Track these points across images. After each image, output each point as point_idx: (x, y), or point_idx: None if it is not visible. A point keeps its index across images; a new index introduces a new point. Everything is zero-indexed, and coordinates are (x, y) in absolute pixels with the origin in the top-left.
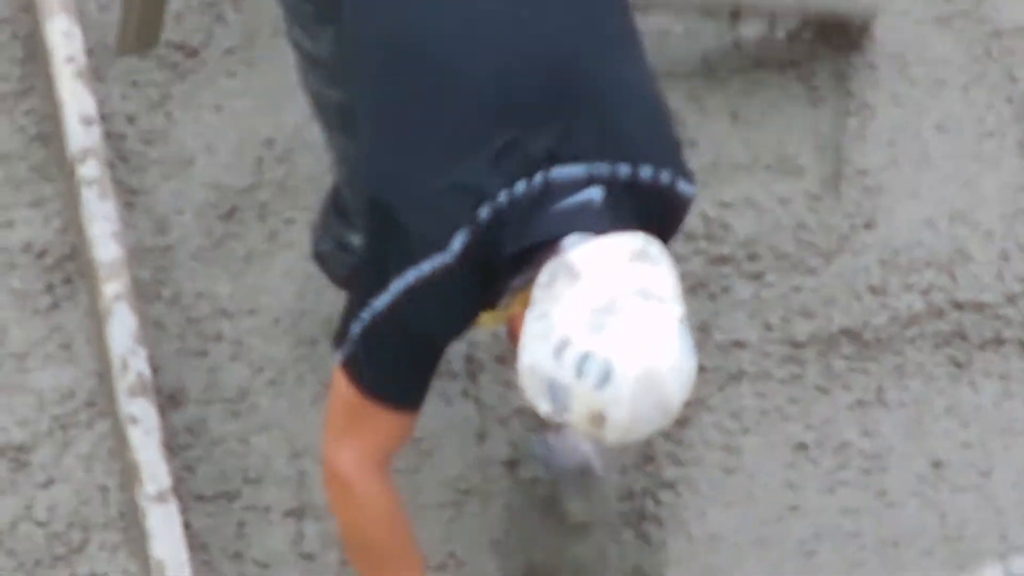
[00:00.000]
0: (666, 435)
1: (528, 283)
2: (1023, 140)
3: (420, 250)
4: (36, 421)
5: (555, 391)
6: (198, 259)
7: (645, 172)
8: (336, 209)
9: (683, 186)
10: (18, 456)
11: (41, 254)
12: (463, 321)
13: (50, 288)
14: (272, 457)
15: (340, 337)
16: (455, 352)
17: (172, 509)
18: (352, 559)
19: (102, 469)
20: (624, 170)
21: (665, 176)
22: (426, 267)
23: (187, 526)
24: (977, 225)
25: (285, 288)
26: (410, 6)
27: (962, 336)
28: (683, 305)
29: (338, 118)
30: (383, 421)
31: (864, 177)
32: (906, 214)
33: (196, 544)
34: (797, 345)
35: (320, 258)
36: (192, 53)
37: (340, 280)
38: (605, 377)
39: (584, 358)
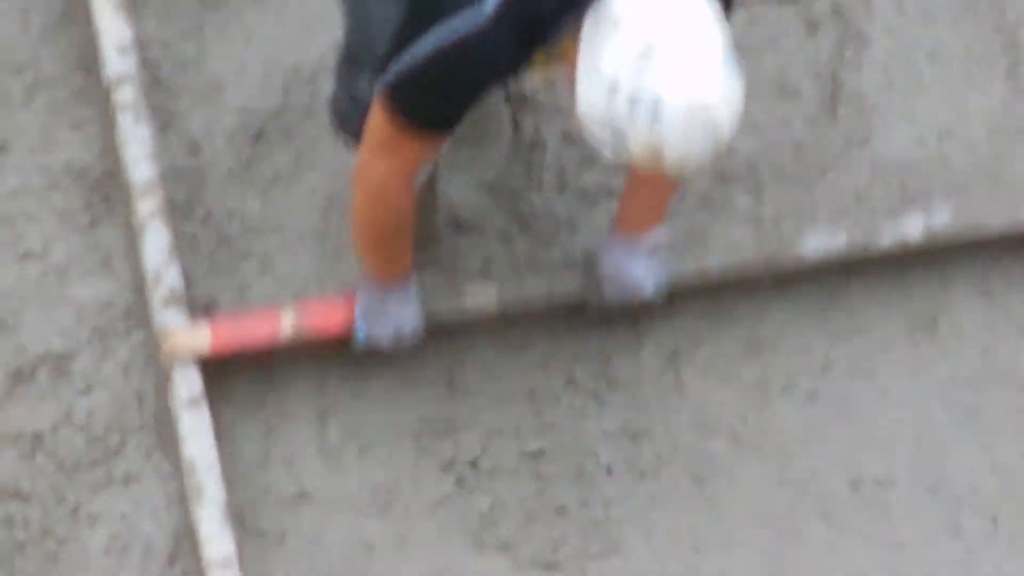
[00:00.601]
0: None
1: (575, 33)
2: (1010, 67)
3: (454, 6)
4: (76, 331)
5: (613, 135)
6: (228, 179)
7: None
8: (347, 61)
9: None
10: (59, 364)
11: (81, 174)
12: (494, 72)
13: (89, 206)
14: (298, 363)
15: (381, 66)
16: None
17: (203, 413)
18: (362, 243)
19: (138, 376)
20: None
21: None
22: (467, 28)
23: (216, 428)
24: (964, 142)
25: (311, 206)
26: None
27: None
28: (726, 32)
29: None
30: (416, 145)
31: (859, 100)
32: (898, 133)
33: (225, 445)
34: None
35: (337, 116)
36: None
37: (355, 132)
38: (656, 114)
39: (633, 100)
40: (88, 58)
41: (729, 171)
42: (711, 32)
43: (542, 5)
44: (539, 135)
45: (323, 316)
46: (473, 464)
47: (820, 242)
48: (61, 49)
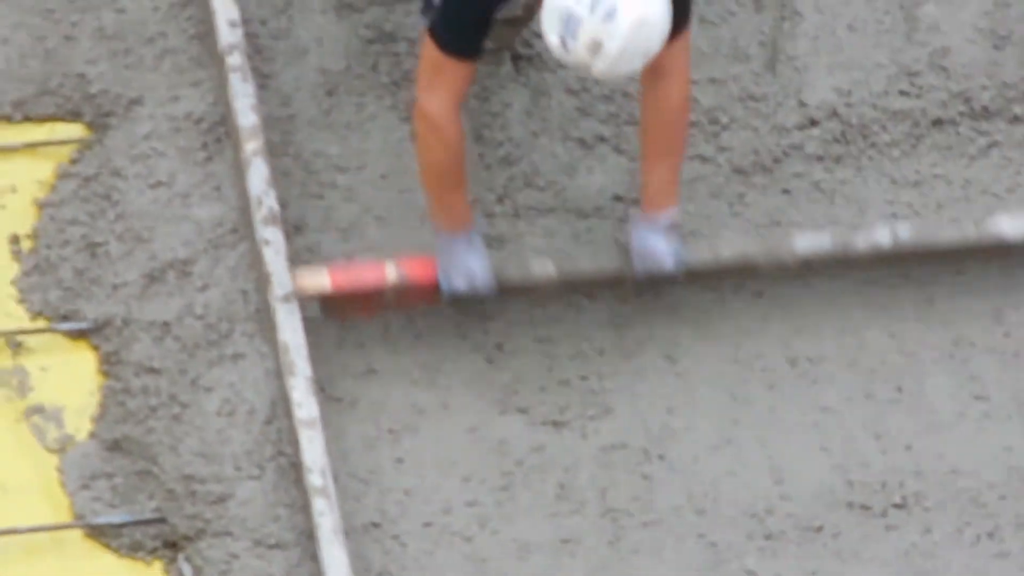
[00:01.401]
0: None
1: None
2: (907, 33)
3: None
4: (196, 243)
5: (568, 21)
6: (312, 125)
7: None
8: None
9: None
10: (183, 268)
11: (199, 121)
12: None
13: (205, 146)
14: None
15: (424, 8)
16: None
17: (294, 307)
18: (426, 181)
19: (243, 277)
20: None
21: None
22: None
23: (304, 319)
24: (870, 88)
25: (382, 147)
26: None
27: (846, 142)
28: None
29: None
30: (457, 71)
31: (794, 61)
32: (822, 85)
33: (310, 332)
34: (741, 171)
35: (423, 8)
36: None
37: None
38: (610, 14)
39: (599, 4)
40: (205, 31)
41: (692, 118)
42: None
43: None
44: (543, 85)
45: (419, 269)
46: (499, 346)
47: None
48: (183, 24)
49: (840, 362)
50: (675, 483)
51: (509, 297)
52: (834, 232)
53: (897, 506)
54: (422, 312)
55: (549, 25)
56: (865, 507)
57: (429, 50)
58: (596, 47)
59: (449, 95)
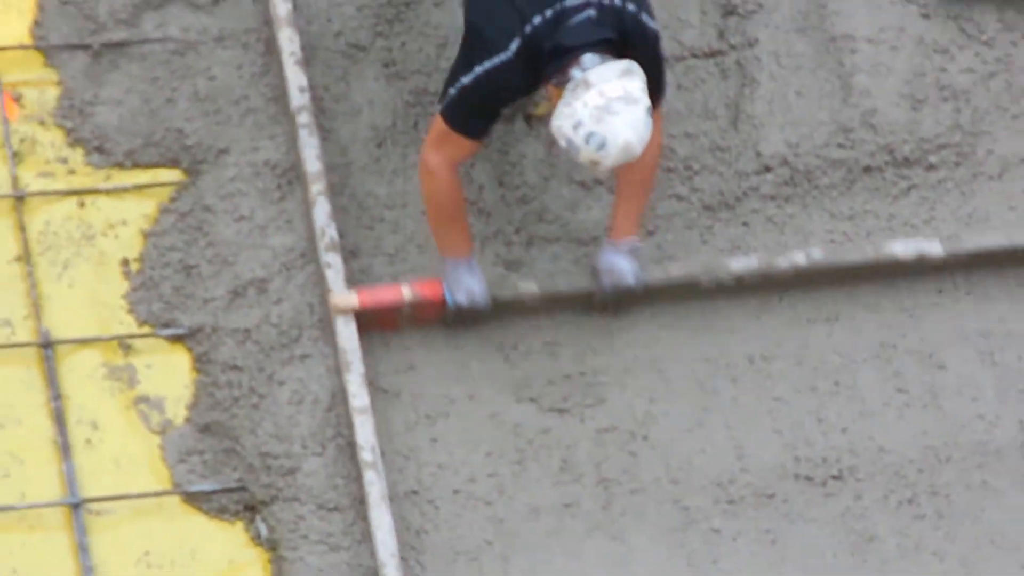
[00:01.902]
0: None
1: (561, 84)
2: (844, 98)
3: (493, 50)
4: (271, 265)
5: (570, 145)
6: (366, 171)
7: (618, 2)
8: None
9: (646, 18)
10: (261, 285)
11: (274, 167)
12: (513, 94)
13: (279, 187)
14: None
15: (442, 96)
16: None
17: (351, 317)
18: (430, 217)
19: (309, 293)
20: (606, 0)
21: (631, 7)
22: (495, 60)
23: (359, 326)
24: (813, 142)
25: (419, 189)
26: None
27: (794, 184)
28: (647, 99)
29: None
30: (460, 144)
31: (752, 119)
32: (775, 139)
33: (363, 337)
34: (709, 207)
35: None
36: (360, 48)
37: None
38: (601, 145)
39: (590, 134)
40: (279, 94)
41: (670, 165)
42: (642, 101)
43: (543, 49)
44: (552, 139)
45: (428, 290)
46: (514, 347)
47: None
48: (262, 89)
49: (789, 361)
50: (655, 458)
51: (511, 311)
52: (760, 255)
53: (835, 477)
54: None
55: (557, 138)
56: (809, 478)
57: (439, 123)
58: (594, 163)
59: (450, 160)
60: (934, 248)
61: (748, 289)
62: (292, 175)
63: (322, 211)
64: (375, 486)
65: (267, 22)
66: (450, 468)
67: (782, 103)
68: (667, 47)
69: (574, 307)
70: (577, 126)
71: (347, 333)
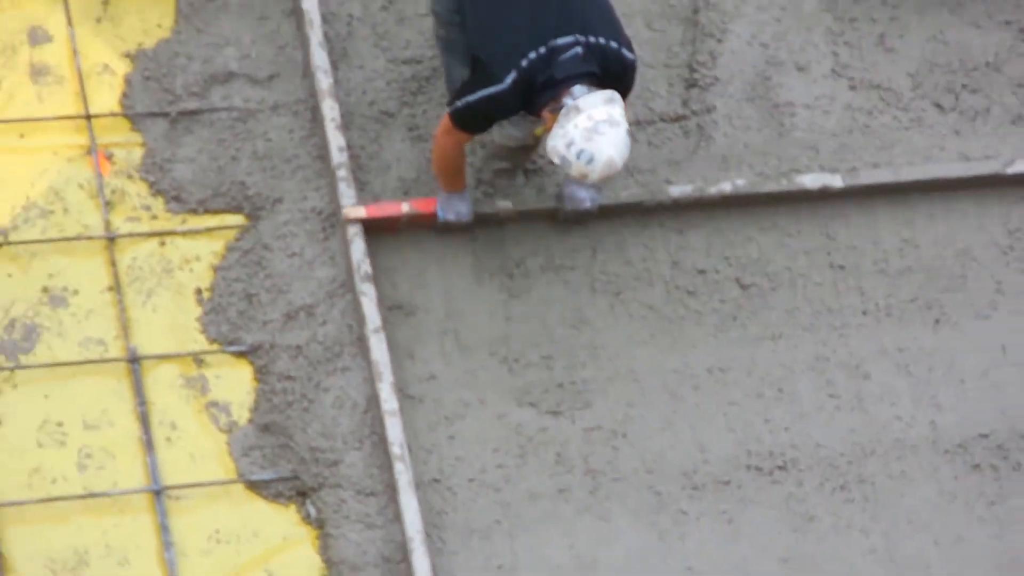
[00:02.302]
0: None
1: (555, 111)
2: (782, 152)
3: (493, 80)
4: (318, 294)
5: (563, 161)
6: (380, 123)
7: (602, 40)
8: (446, 80)
9: (626, 52)
10: (309, 310)
11: (319, 213)
12: (506, 113)
13: (323, 229)
14: (427, 287)
15: (451, 104)
16: None
17: (382, 336)
18: (437, 168)
19: (349, 317)
20: (591, 39)
21: (614, 44)
22: (493, 90)
23: (389, 343)
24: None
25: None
26: None
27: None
28: (626, 124)
29: (448, 48)
30: (459, 134)
31: (715, 146)
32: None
33: (393, 351)
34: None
35: (448, 91)
36: (390, 115)
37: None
38: (590, 160)
39: (580, 151)
40: (323, 153)
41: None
42: (623, 125)
43: (533, 82)
44: (544, 185)
45: (422, 205)
46: (516, 361)
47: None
48: (309, 149)
49: (740, 372)
50: (633, 452)
51: (514, 328)
52: (695, 183)
53: (780, 468)
54: (469, 339)
55: (551, 156)
56: (758, 468)
57: (448, 121)
58: (583, 175)
59: (457, 141)
60: (836, 180)
61: (710, 306)
62: (334, 219)
63: (358, 249)
64: (403, 475)
65: (313, 94)
66: (465, 460)
67: (734, 157)
68: (640, 113)
69: (565, 324)
70: (569, 144)
71: (379, 348)
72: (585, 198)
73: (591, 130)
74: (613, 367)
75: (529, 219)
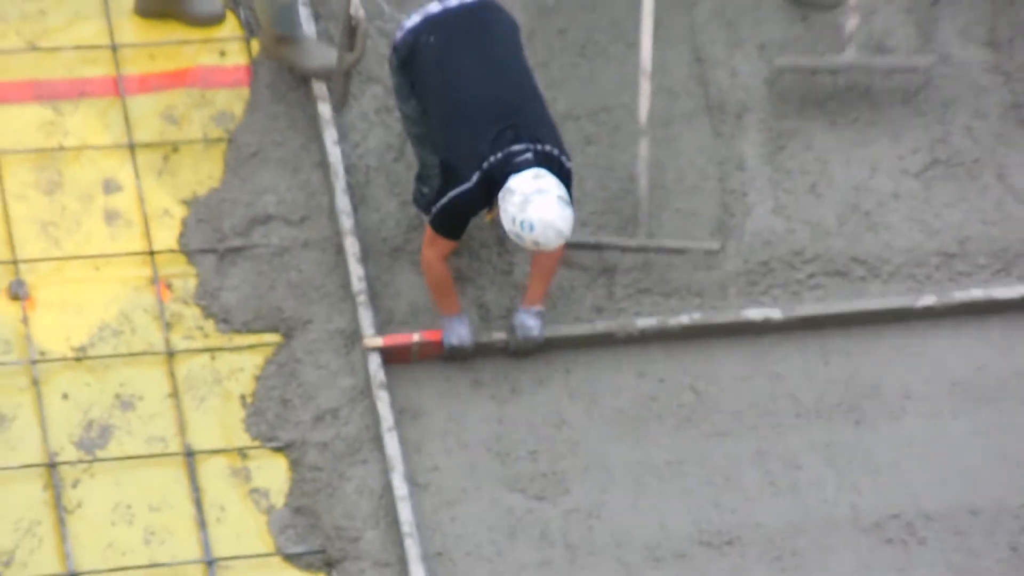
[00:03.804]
0: None
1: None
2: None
3: (459, 181)
4: (341, 399)
5: (516, 236)
6: (406, 325)
7: (548, 147)
8: (417, 179)
9: (565, 160)
10: (335, 413)
11: (343, 332)
12: (476, 210)
13: (346, 345)
14: (430, 377)
15: (428, 212)
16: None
17: (394, 434)
18: (431, 291)
19: (368, 417)
20: (539, 147)
21: (556, 151)
22: (462, 188)
23: (400, 440)
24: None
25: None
26: (453, 95)
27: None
28: (562, 190)
29: (417, 140)
30: (445, 243)
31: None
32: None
33: (404, 449)
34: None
35: (415, 200)
36: (399, 249)
37: (420, 206)
38: (531, 227)
39: (521, 222)
40: (346, 283)
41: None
42: (551, 191)
43: (494, 179)
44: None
45: (431, 335)
46: (507, 454)
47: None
48: (334, 278)
49: (694, 464)
50: (605, 530)
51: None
52: (658, 316)
53: (727, 543)
54: (466, 437)
55: (509, 235)
56: (709, 543)
57: (429, 230)
58: (535, 243)
59: (440, 253)
60: (775, 313)
61: (668, 409)
62: (355, 338)
63: (375, 365)
64: (413, 550)
65: (337, 233)
66: (463, 537)
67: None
68: (608, 258)
69: (548, 424)
70: (512, 220)
71: (392, 444)
72: (533, 327)
73: (523, 202)
74: (588, 459)
75: (524, 384)
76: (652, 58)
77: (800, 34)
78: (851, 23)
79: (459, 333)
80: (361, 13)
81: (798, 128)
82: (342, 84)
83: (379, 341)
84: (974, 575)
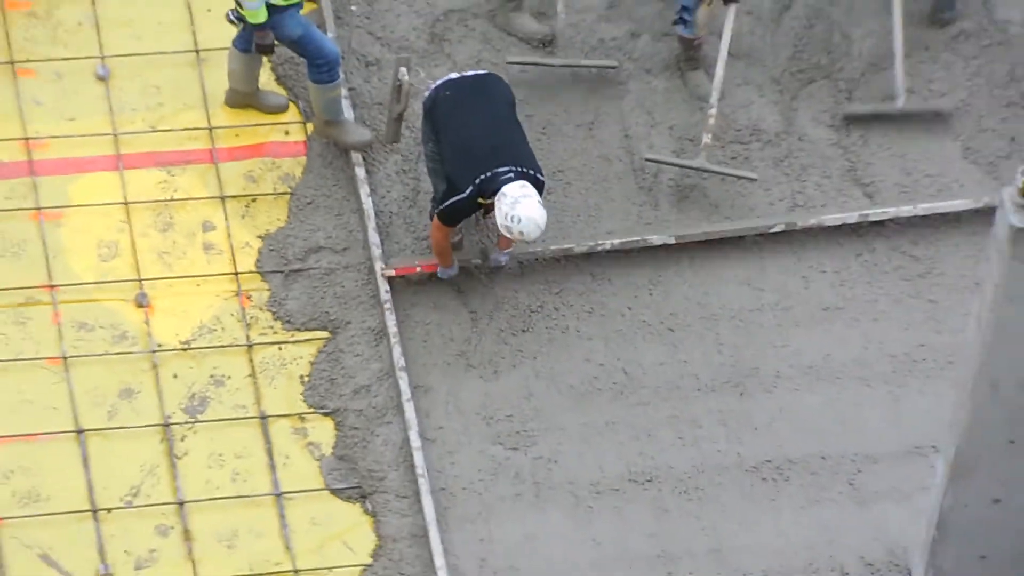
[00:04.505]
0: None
1: (494, 201)
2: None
3: (458, 192)
4: (372, 378)
5: (506, 227)
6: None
7: (525, 167)
8: (432, 201)
9: (539, 175)
10: (368, 388)
11: (373, 330)
12: (468, 212)
13: (376, 341)
14: (437, 314)
15: (433, 210)
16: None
17: (411, 403)
18: (436, 254)
19: (390, 392)
20: (520, 168)
21: (531, 171)
22: (459, 196)
23: (415, 408)
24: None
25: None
26: (460, 131)
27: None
28: (537, 196)
29: (432, 172)
30: (446, 228)
31: None
32: None
33: (418, 414)
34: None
35: (431, 213)
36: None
37: (432, 211)
38: (519, 221)
39: (511, 217)
40: (375, 294)
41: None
42: (534, 196)
43: (483, 191)
44: (486, 221)
45: (429, 267)
46: (491, 416)
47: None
48: (367, 291)
49: (626, 425)
50: (560, 472)
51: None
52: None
53: (648, 481)
54: (462, 406)
55: (501, 230)
56: (635, 480)
57: (436, 220)
58: (521, 233)
59: (443, 233)
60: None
61: (607, 385)
62: (383, 334)
63: (396, 352)
64: (424, 486)
65: (369, 259)
66: (459, 476)
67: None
68: None
69: (519, 396)
70: (505, 216)
71: (409, 411)
72: (502, 260)
73: (513, 202)
74: (549, 422)
75: (500, 332)
76: (591, 134)
77: (699, 119)
78: (705, 139)
79: (448, 272)
80: (406, 77)
81: (697, 183)
82: (394, 126)
83: (391, 272)
84: (823, 502)
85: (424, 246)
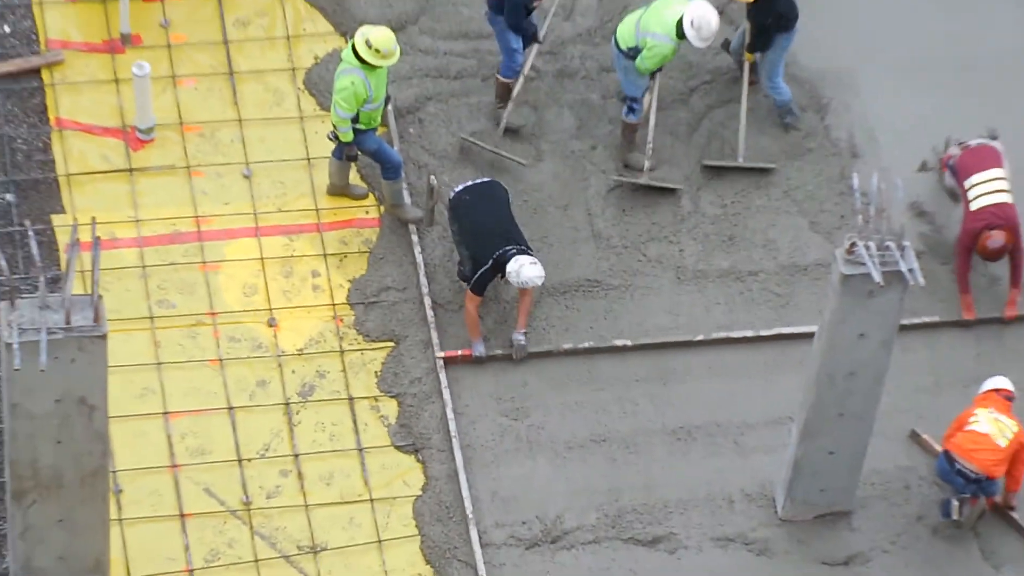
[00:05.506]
0: None
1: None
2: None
3: (482, 265)
4: (423, 374)
5: (519, 282)
6: (447, 308)
7: (523, 248)
8: (458, 265)
9: (530, 251)
10: (420, 381)
11: (423, 342)
12: (490, 279)
13: (425, 350)
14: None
15: (468, 282)
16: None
17: (447, 392)
18: (467, 325)
19: (436, 385)
20: (519, 247)
21: (524, 245)
22: (483, 268)
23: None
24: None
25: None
26: (476, 222)
27: None
28: (535, 260)
29: (457, 244)
30: (475, 298)
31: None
32: None
33: (453, 401)
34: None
35: (459, 275)
36: (449, 302)
37: (462, 278)
38: (519, 274)
39: (520, 275)
40: (424, 317)
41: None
42: (530, 259)
43: (499, 264)
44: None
45: (466, 352)
46: (499, 398)
47: None
48: (419, 317)
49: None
50: (546, 436)
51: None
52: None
53: (603, 440)
54: (483, 395)
55: (510, 280)
56: (595, 441)
57: (469, 292)
58: (524, 284)
59: (475, 304)
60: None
61: (575, 378)
62: (429, 344)
63: (439, 363)
64: (456, 443)
65: (420, 294)
66: (479, 440)
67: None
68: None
69: (519, 385)
70: (515, 275)
71: (446, 396)
72: (522, 342)
73: (519, 267)
74: (538, 401)
75: (510, 368)
76: (561, 214)
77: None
78: (647, 164)
79: (479, 349)
80: (435, 183)
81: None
82: (428, 215)
83: (441, 354)
84: (717, 454)
85: (452, 284)
